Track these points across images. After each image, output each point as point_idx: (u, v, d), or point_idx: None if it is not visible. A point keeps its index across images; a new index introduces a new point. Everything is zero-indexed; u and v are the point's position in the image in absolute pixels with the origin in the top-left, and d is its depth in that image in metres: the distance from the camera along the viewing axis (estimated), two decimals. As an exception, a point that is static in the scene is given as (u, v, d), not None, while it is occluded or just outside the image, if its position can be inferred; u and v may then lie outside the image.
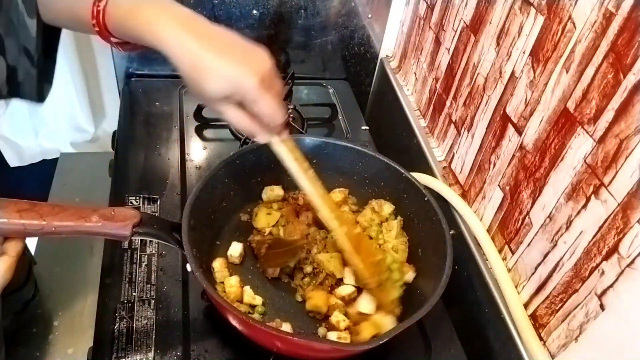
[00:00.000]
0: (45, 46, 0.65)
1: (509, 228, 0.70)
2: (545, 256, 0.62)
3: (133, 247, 0.75)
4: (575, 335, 0.57)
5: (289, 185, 0.78)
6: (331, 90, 1.16)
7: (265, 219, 0.76)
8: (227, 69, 0.53)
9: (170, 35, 0.53)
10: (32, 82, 0.66)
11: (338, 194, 0.81)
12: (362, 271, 0.68)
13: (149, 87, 1.07)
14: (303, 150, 0.80)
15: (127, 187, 0.84)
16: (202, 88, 0.54)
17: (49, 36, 0.65)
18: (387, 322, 0.66)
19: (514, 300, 0.67)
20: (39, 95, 0.69)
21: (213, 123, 1.00)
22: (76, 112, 1.62)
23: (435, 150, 0.92)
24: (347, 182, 0.84)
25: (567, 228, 0.59)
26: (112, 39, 0.59)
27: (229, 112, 0.57)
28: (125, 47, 0.61)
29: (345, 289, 0.70)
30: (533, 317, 0.65)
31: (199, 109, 0.99)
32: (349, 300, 0.69)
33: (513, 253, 0.69)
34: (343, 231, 0.68)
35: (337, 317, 0.66)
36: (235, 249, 0.72)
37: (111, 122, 1.66)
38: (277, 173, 0.82)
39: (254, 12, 1.06)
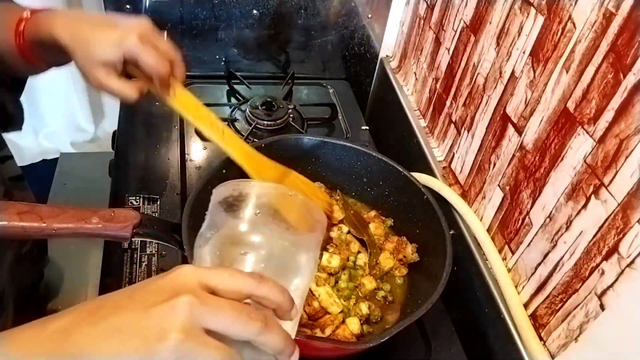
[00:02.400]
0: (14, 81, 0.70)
1: (509, 228, 0.70)
2: (545, 256, 0.62)
3: (133, 247, 0.75)
4: (575, 335, 0.57)
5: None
6: (331, 90, 1.16)
7: None
8: (109, 33, 0.60)
9: (58, 22, 0.60)
10: (20, 108, 0.72)
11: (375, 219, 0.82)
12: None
13: (149, 87, 1.07)
14: (303, 150, 0.81)
15: (127, 187, 0.84)
16: (89, 55, 0.60)
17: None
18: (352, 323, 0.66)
19: (514, 300, 0.67)
20: (22, 123, 0.75)
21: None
22: (76, 112, 1.62)
23: (435, 150, 0.92)
24: (346, 182, 0.84)
25: (567, 228, 0.59)
26: (35, 60, 0.65)
27: (112, 80, 0.61)
28: (41, 63, 0.67)
29: None
30: (533, 317, 0.65)
31: (199, 109, 0.99)
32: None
33: (513, 253, 0.69)
34: (260, 176, 0.71)
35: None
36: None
37: (111, 122, 1.66)
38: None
39: (254, 12, 1.06)
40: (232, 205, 0.48)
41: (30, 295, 0.86)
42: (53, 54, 0.64)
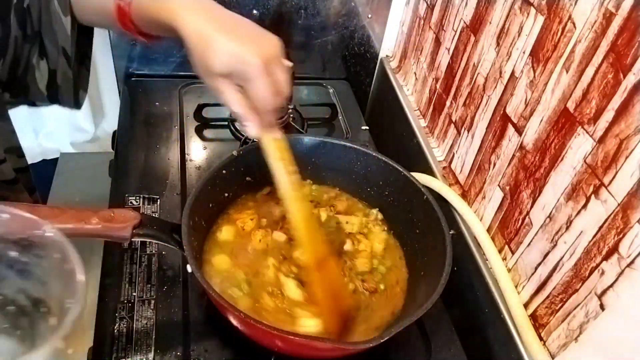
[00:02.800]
0: (79, 53, 0.67)
1: (509, 228, 0.70)
2: (545, 256, 0.62)
3: (133, 247, 0.75)
4: (575, 335, 0.57)
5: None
6: (331, 90, 1.16)
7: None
8: (233, 44, 0.54)
9: (184, 14, 0.55)
10: (70, 85, 0.68)
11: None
12: (317, 288, 0.65)
13: (149, 87, 1.07)
14: (302, 150, 0.81)
15: (127, 187, 0.84)
16: (207, 61, 0.55)
17: (82, 43, 0.67)
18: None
19: (514, 300, 0.67)
20: (76, 100, 0.72)
21: (213, 123, 1.00)
22: (76, 112, 1.62)
23: (435, 150, 0.92)
24: (346, 182, 0.84)
25: (567, 228, 0.59)
26: (135, 31, 0.62)
27: (228, 91, 0.57)
28: (147, 38, 0.64)
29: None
30: (533, 317, 0.65)
31: (199, 109, 0.99)
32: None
33: (513, 253, 0.69)
34: (310, 246, 0.65)
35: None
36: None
37: (111, 122, 1.66)
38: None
39: (254, 12, 1.06)
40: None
41: None
42: (161, 33, 0.61)
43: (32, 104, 0.71)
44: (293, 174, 0.64)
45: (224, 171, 0.74)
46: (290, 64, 0.61)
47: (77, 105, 0.72)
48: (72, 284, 0.40)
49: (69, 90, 0.69)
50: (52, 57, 0.65)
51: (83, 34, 0.68)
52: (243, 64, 0.54)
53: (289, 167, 0.64)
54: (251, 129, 0.59)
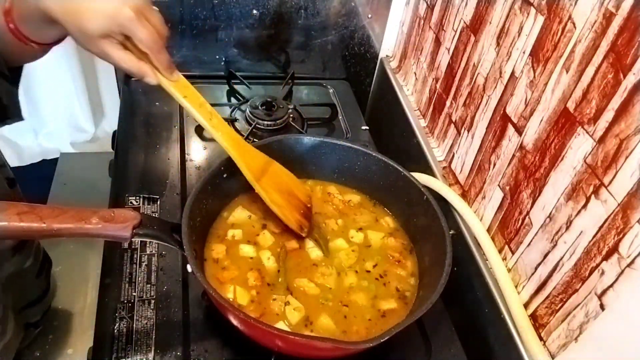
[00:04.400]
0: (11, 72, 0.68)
1: (509, 228, 0.70)
2: (545, 256, 0.62)
3: (133, 247, 0.75)
4: (575, 335, 0.57)
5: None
6: (331, 90, 1.16)
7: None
8: (102, 5, 0.57)
9: None
10: (15, 99, 0.70)
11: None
12: (263, 194, 0.72)
13: (149, 87, 1.05)
14: (302, 150, 0.81)
15: (127, 187, 0.84)
16: (83, 28, 0.57)
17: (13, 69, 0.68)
18: None
19: (514, 300, 0.67)
20: (20, 114, 0.72)
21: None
22: (76, 112, 1.62)
23: (435, 150, 0.92)
24: (346, 182, 0.84)
25: (567, 228, 0.59)
26: (25, 39, 0.63)
27: (115, 52, 0.59)
28: (40, 44, 0.65)
29: None
30: (533, 317, 0.65)
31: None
32: None
33: (513, 253, 0.69)
34: (243, 161, 0.72)
35: None
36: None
37: (111, 122, 1.66)
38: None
39: (254, 12, 1.06)
40: None
41: (33, 306, 0.86)
42: (45, 29, 0.62)
43: None
44: (204, 105, 0.69)
45: (222, 168, 0.74)
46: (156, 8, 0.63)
47: (21, 117, 0.73)
48: None
49: (16, 106, 0.70)
50: None
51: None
52: (117, 18, 0.57)
53: (197, 100, 0.68)
54: (150, 78, 0.63)
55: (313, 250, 0.74)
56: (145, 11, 0.59)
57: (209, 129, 0.70)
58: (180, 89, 0.67)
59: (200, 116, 0.68)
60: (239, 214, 0.77)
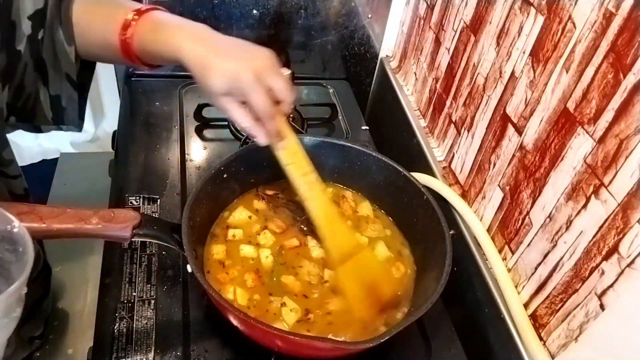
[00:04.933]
0: (80, 82, 0.71)
1: (509, 228, 0.70)
2: (545, 256, 0.62)
3: (133, 247, 0.75)
4: (575, 335, 0.57)
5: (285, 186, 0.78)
6: (331, 90, 1.16)
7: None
8: (227, 64, 0.59)
9: (185, 46, 0.61)
10: (75, 106, 0.72)
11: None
12: (341, 282, 0.69)
13: (149, 87, 1.07)
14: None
15: (127, 187, 0.84)
16: (207, 84, 0.60)
17: (82, 75, 0.71)
18: None
19: (514, 300, 0.67)
20: (80, 122, 0.76)
21: (213, 123, 1.00)
22: (76, 112, 1.62)
23: (435, 150, 0.92)
24: (346, 182, 0.84)
25: (567, 228, 0.59)
26: (139, 62, 0.67)
27: (233, 109, 0.61)
28: (150, 66, 0.69)
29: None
30: (533, 317, 0.65)
31: (199, 108, 0.99)
32: None
33: (513, 253, 0.69)
34: (332, 241, 0.69)
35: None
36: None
37: (111, 122, 1.66)
38: (276, 173, 0.82)
39: (254, 12, 1.06)
40: None
41: (34, 311, 0.85)
42: (165, 63, 0.66)
43: (37, 128, 0.75)
44: (308, 174, 0.69)
45: (222, 168, 0.74)
46: (288, 71, 0.64)
47: (80, 127, 0.76)
48: (24, 271, 0.42)
49: (74, 111, 0.73)
50: (54, 83, 0.68)
51: (84, 67, 0.71)
52: (237, 80, 0.59)
53: (302, 169, 0.68)
54: (260, 139, 0.64)
55: (314, 249, 0.74)
56: (265, 74, 0.60)
57: (305, 198, 0.69)
58: (288, 156, 0.67)
59: (299, 186, 0.68)
60: (240, 214, 0.77)
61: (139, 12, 0.64)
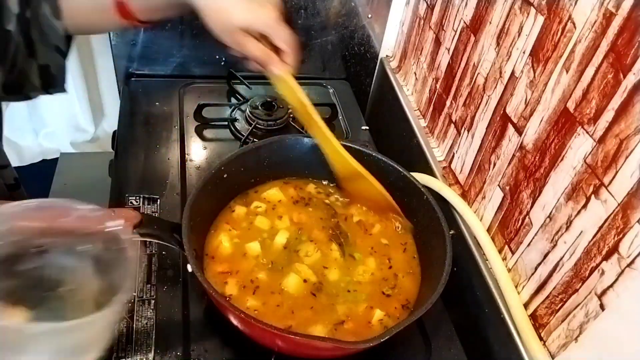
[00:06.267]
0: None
1: (509, 228, 0.70)
2: (545, 256, 0.62)
3: (133, 247, 0.75)
4: (575, 335, 0.57)
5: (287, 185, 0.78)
6: (331, 90, 1.16)
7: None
8: (250, 6, 0.65)
9: None
10: (63, 73, 0.73)
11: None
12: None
13: (149, 87, 1.07)
14: (302, 150, 0.82)
15: (127, 187, 0.84)
16: (228, 19, 0.64)
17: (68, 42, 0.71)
18: None
19: (514, 300, 0.67)
20: (64, 86, 0.76)
21: (213, 123, 1.00)
22: (76, 112, 1.62)
23: (435, 150, 0.92)
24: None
25: (567, 228, 0.59)
26: (133, 19, 0.68)
27: (250, 41, 0.66)
28: (143, 23, 0.70)
29: None
30: (533, 317, 0.65)
31: (199, 108, 0.99)
32: None
33: (513, 253, 0.69)
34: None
35: None
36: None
37: (111, 122, 1.66)
38: (276, 173, 0.83)
39: (254, 12, 1.06)
40: None
41: None
42: (166, 10, 0.68)
43: (26, 97, 0.73)
44: (304, 105, 0.73)
45: (222, 168, 0.74)
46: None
47: (66, 89, 0.76)
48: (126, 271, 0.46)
49: (62, 78, 0.73)
50: (43, 55, 0.68)
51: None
52: (261, 19, 0.65)
53: (310, 102, 0.74)
54: (275, 67, 0.68)
55: (332, 252, 0.74)
56: (281, 19, 0.66)
57: (321, 125, 0.75)
58: (298, 89, 0.72)
59: (317, 116, 0.74)
60: (274, 192, 0.79)
61: None
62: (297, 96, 0.72)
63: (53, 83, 0.72)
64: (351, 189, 0.81)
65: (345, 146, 0.81)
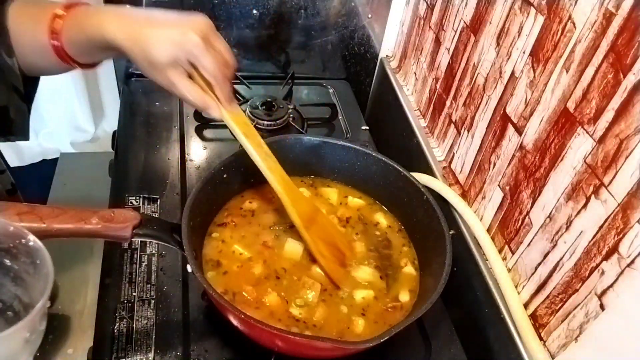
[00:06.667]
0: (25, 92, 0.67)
1: (509, 228, 0.70)
2: (545, 256, 0.62)
3: (133, 247, 0.75)
4: (575, 335, 0.57)
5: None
6: (331, 90, 1.16)
7: None
8: (168, 32, 0.56)
9: (110, 23, 0.57)
10: (23, 117, 0.69)
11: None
12: (311, 244, 0.70)
13: (149, 87, 1.07)
14: (302, 150, 0.81)
15: (127, 187, 0.84)
16: (150, 57, 0.56)
17: (27, 84, 0.67)
18: None
19: (514, 300, 0.67)
20: (26, 132, 0.71)
21: (213, 123, 1.00)
22: (76, 112, 1.62)
23: (435, 150, 0.92)
24: (346, 182, 0.84)
25: (567, 228, 0.59)
26: (70, 59, 0.63)
27: (180, 81, 0.58)
28: (87, 66, 0.65)
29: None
30: (533, 317, 0.65)
31: (199, 109, 0.99)
32: None
33: (513, 253, 0.69)
34: (294, 208, 0.70)
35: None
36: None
37: (111, 122, 1.66)
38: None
39: (254, 12, 1.06)
40: None
41: None
42: (97, 54, 0.62)
43: None
44: (262, 146, 0.68)
45: (222, 168, 0.74)
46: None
47: (28, 137, 0.72)
48: (46, 286, 0.43)
49: (23, 123, 0.69)
50: (1, 95, 0.64)
51: (28, 79, 0.67)
52: (184, 44, 0.56)
53: (256, 139, 0.68)
54: (213, 111, 0.62)
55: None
56: (210, 38, 0.58)
57: (264, 171, 0.68)
58: (241, 126, 0.66)
59: (258, 157, 0.67)
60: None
61: (67, 7, 0.60)
62: (244, 127, 0.66)
63: (12, 129, 0.67)
64: (314, 238, 0.71)
65: (345, 146, 0.82)
